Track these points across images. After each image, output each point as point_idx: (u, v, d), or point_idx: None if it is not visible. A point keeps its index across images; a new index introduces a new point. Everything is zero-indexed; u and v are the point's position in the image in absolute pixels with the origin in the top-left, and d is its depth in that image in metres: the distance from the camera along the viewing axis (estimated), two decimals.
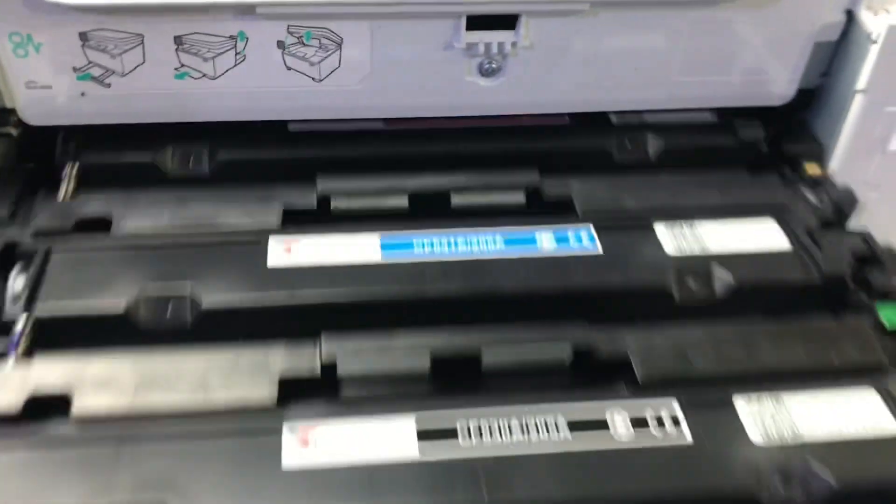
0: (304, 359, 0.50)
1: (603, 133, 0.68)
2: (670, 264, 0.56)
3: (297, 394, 0.49)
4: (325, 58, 0.63)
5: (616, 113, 0.70)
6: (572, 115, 0.69)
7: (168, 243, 0.56)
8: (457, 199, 0.62)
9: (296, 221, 0.59)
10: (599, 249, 0.57)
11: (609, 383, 0.51)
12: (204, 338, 0.52)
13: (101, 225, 0.59)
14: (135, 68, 0.62)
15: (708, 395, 0.49)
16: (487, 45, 0.62)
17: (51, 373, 0.49)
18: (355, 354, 0.50)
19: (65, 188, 0.62)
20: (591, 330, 0.53)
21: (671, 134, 0.67)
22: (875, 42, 0.63)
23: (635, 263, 0.56)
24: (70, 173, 0.63)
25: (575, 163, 0.66)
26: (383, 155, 0.65)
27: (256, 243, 0.57)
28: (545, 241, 0.58)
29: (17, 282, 0.54)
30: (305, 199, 0.61)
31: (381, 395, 0.50)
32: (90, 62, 0.61)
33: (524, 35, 0.62)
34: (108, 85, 0.62)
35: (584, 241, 0.58)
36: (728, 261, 0.56)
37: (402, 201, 0.62)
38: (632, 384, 0.50)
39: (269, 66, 0.62)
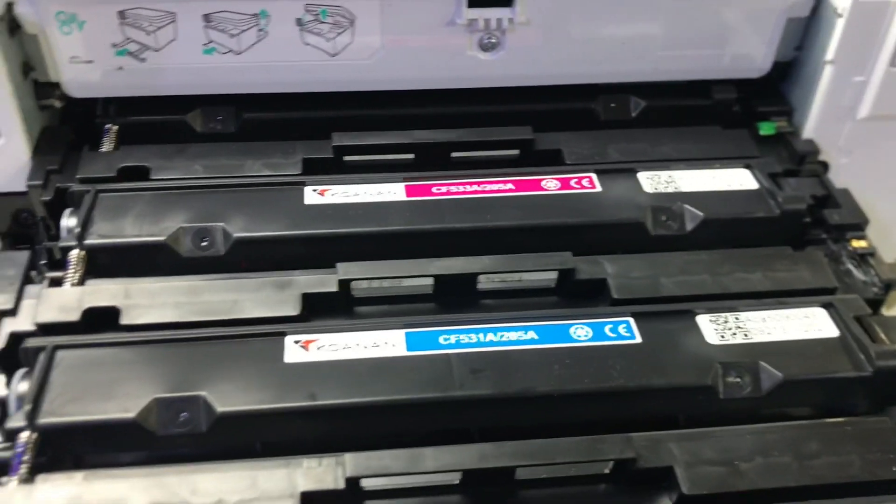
0: (328, 475, 0.54)
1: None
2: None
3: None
4: (339, 34, 0.78)
5: None
6: None
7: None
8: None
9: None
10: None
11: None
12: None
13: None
14: (167, 44, 0.77)
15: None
16: (487, 22, 0.78)
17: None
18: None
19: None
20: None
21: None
22: (841, 16, 0.78)
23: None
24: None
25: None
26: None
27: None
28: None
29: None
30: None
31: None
32: (127, 38, 0.77)
33: (521, 12, 0.78)
34: (144, 59, 0.78)
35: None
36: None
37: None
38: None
39: (288, 41, 0.78)
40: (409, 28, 0.78)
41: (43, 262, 0.71)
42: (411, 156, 0.79)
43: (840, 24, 0.78)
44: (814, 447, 0.57)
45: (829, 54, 0.79)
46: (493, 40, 0.79)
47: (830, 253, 0.71)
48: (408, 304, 0.68)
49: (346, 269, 0.66)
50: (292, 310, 0.64)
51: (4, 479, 0.54)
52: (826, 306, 0.65)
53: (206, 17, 0.76)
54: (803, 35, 0.83)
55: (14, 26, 0.74)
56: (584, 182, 0.74)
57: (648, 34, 0.81)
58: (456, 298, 0.68)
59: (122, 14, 0.75)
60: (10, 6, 0.73)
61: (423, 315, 0.66)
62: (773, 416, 0.61)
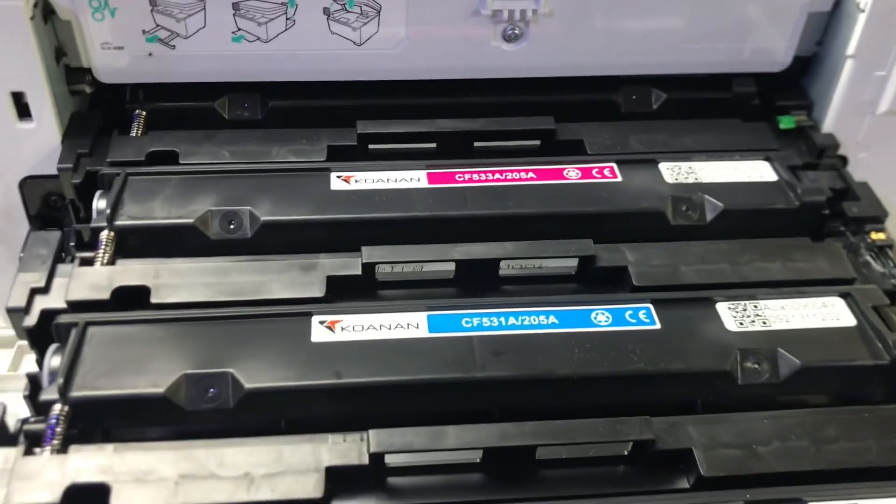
0: (352, 450, 0.56)
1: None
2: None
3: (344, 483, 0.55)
4: (366, 23, 0.79)
5: None
6: None
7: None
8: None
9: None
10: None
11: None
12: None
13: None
14: (197, 31, 0.78)
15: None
16: (511, 12, 0.79)
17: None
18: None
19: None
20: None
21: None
22: (863, 11, 0.78)
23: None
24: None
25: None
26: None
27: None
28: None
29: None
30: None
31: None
32: (158, 25, 0.78)
33: (545, 3, 0.78)
34: (173, 46, 0.79)
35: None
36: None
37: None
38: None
39: (315, 30, 0.79)
40: (434, 18, 0.79)
41: (72, 243, 0.73)
42: (434, 145, 0.80)
43: (862, 19, 0.78)
44: (831, 432, 0.58)
45: (851, 49, 0.80)
46: (517, 31, 0.80)
47: (849, 245, 0.72)
48: (429, 288, 0.69)
49: (370, 253, 0.67)
50: (317, 291, 0.65)
51: (37, 449, 0.55)
52: (844, 296, 0.65)
53: (236, 6, 0.77)
54: (824, 29, 0.84)
55: (48, 12, 0.75)
56: (606, 172, 0.75)
57: (671, 27, 0.81)
58: (477, 283, 0.69)
59: (153, 1, 0.76)
60: None
61: (446, 298, 0.67)
62: (791, 403, 0.62)
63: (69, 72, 0.80)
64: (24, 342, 0.66)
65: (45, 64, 0.75)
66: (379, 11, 0.78)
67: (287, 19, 0.78)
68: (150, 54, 0.79)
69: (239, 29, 0.78)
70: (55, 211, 0.81)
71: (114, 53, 0.79)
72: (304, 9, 0.78)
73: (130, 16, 0.77)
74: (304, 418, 0.60)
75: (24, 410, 0.60)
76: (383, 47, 0.80)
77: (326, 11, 0.78)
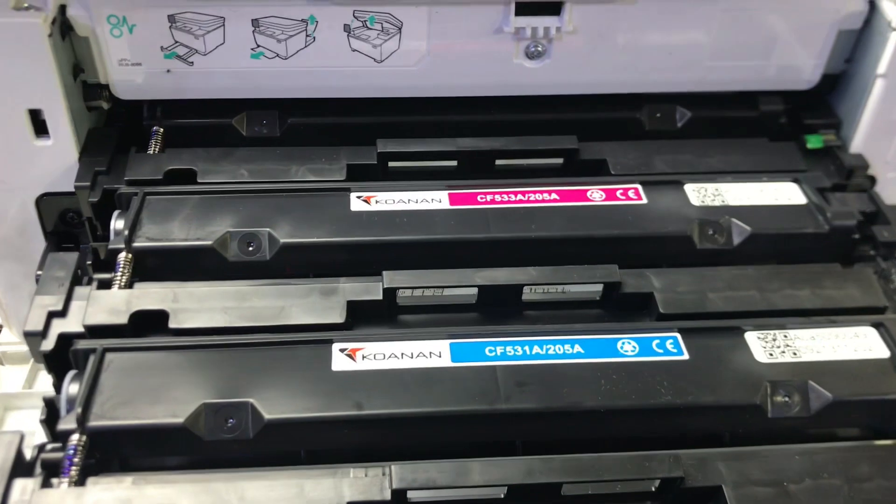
0: (374, 486, 0.54)
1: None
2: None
3: None
4: (387, 40, 0.78)
5: None
6: None
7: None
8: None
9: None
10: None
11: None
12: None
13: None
14: (215, 48, 0.78)
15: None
16: (534, 30, 0.78)
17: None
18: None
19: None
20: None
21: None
22: (895, 30, 0.77)
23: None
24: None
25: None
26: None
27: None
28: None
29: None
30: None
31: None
32: (176, 42, 0.77)
33: (568, 20, 0.77)
34: (192, 63, 0.78)
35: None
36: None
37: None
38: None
39: (335, 47, 0.78)
40: (456, 35, 0.78)
41: (89, 262, 0.72)
42: (454, 163, 0.79)
43: (894, 38, 0.77)
44: (864, 470, 0.56)
45: (882, 68, 0.78)
46: (540, 48, 0.79)
47: (880, 270, 0.70)
48: (451, 313, 0.68)
49: (391, 278, 0.66)
50: (338, 317, 0.64)
51: (55, 480, 0.55)
52: (876, 326, 0.64)
53: (255, 22, 0.76)
54: (854, 47, 0.82)
55: (66, 29, 0.75)
56: (630, 193, 0.74)
57: (696, 44, 0.80)
58: (500, 309, 0.68)
59: (171, 18, 0.75)
60: (63, 8, 0.73)
61: (466, 325, 0.67)
62: (821, 436, 0.61)
63: (86, 88, 0.79)
64: None
65: (62, 80, 0.74)
66: (400, 28, 0.77)
67: (307, 36, 0.77)
68: (168, 71, 0.78)
69: (258, 46, 0.78)
70: (71, 227, 0.81)
71: (132, 70, 0.78)
72: (324, 26, 0.77)
73: (149, 32, 0.76)
74: (323, 449, 0.59)
75: (39, 430, 0.60)
76: (404, 64, 0.79)
77: (347, 28, 0.77)
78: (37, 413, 0.61)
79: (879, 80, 0.79)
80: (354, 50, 0.78)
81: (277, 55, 0.78)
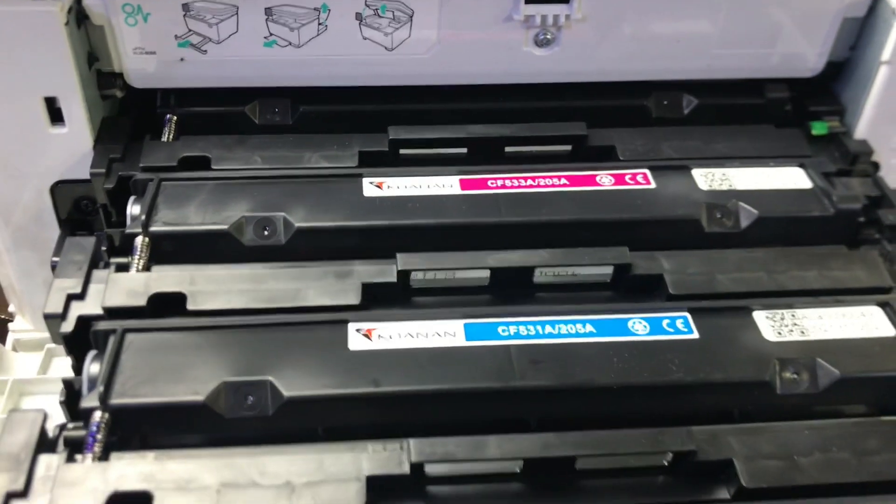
0: (392, 460, 0.55)
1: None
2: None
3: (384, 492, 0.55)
4: (398, 29, 0.79)
5: None
6: None
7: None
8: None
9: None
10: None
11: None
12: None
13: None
14: (229, 36, 0.79)
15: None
16: (544, 18, 0.79)
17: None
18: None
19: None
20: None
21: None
22: None
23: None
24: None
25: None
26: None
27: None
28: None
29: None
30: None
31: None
32: (190, 30, 0.78)
33: (577, 8, 0.78)
34: (205, 52, 0.79)
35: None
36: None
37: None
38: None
39: (347, 35, 0.79)
40: (467, 23, 0.79)
41: (104, 248, 0.73)
42: (465, 150, 0.80)
43: None
44: (873, 444, 0.57)
45: (886, 55, 0.79)
46: (549, 36, 0.80)
47: (885, 253, 0.71)
48: (464, 295, 0.69)
49: (405, 261, 0.67)
50: (353, 299, 0.65)
51: (79, 456, 0.56)
52: (882, 305, 0.65)
53: (268, 11, 0.77)
54: (858, 35, 0.83)
55: (81, 17, 0.76)
56: (639, 178, 0.75)
57: (703, 32, 0.81)
58: (512, 291, 0.69)
59: (186, 6, 0.76)
60: None
61: (478, 306, 0.67)
62: (829, 413, 0.62)
63: (101, 76, 0.80)
64: (53, 345, 0.67)
65: (78, 69, 0.75)
66: (411, 16, 0.78)
67: (319, 24, 0.78)
68: (181, 59, 0.79)
69: (271, 34, 0.79)
70: (85, 215, 0.82)
71: (146, 58, 0.79)
72: (336, 14, 0.78)
73: (163, 21, 0.77)
74: (340, 426, 0.60)
75: (57, 413, 0.61)
76: (415, 52, 0.80)
77: (359, 16, 0.78)
78: (51, 398, 0.62)
79: (884, 67, 0.80)
80: (366, 38, 0.79)
81: (290, 43, 0.79)
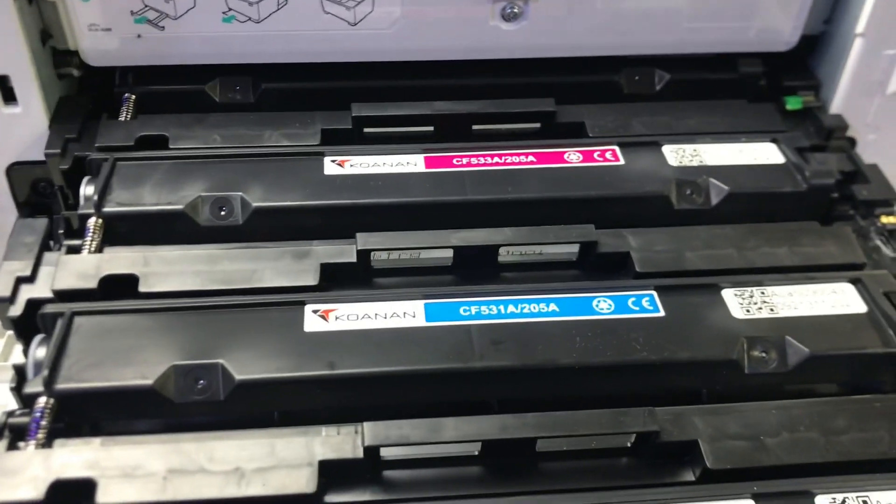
0: (346, 444, 0.54)
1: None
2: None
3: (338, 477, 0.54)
4: (360, 3, 0.77)
5: None
6: None
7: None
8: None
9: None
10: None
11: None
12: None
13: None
14: (186, 12, 0.76)
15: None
16: None
17: None
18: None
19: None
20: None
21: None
22: None
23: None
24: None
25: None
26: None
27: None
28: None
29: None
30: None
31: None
32: (146, 6, 0.76)
33: None
34: (162, 28, 0.77)
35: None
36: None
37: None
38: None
39: (308, 10, 0.77)
40: None
41: (61, 231, 0.71)
42: (431, 128, 0.79)
43: None
44: (841, 423, 0.56)
45: (860, 27, 0.78)
46: (516, 10, 0.78)
47: (858, 229, 0.70)
48: (427, 275, 0.67)
49: (365, 240, 0.65)
50: (311, 280, 0.64)
51: (22, 444, 0.54)
52: (854, 282, 0.64)
53: None
54: (832, 7, 0.82)
55: None
56: (608, 155, 0.73)
57: (674, 5, 0.79)
58: (476, 271, 0.67)
59: None
60: None
61: (444, 286, 0.66)
62: (799, 392, 0.60)
63: (56, 54, 0.78)
64: None
65: (30, 46, 0.73)
66: None
67: None
68: (138, 36, 0.77)
69: (230, 9, 0.77)
70: (44, 198, 0.80)
71: (101, 35, 0.77)
72: None
73: None
74: (296, 410, 0.58)
75: (12, 402, 0.59)
76: (378, 27, 0.78)
77: None
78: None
79: (858, 40, 0.78)
80: (328, 13, 0.77)
81: (249, 19, 0.77)
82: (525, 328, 0.60)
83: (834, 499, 0.54)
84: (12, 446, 0.53)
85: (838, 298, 0.63)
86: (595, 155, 0.73)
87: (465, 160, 0.73)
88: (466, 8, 0.78)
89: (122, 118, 0.77)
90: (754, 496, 0.52)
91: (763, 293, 0.63)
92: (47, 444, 0.54)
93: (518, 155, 0.73)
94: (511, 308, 0.61)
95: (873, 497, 0.55)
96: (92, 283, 0.62)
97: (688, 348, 0.59)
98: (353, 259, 0.65)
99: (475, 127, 0.79)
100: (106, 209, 0.67)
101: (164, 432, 0.56)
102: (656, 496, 0.53)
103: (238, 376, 0.56)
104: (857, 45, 0.79)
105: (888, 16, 0.77)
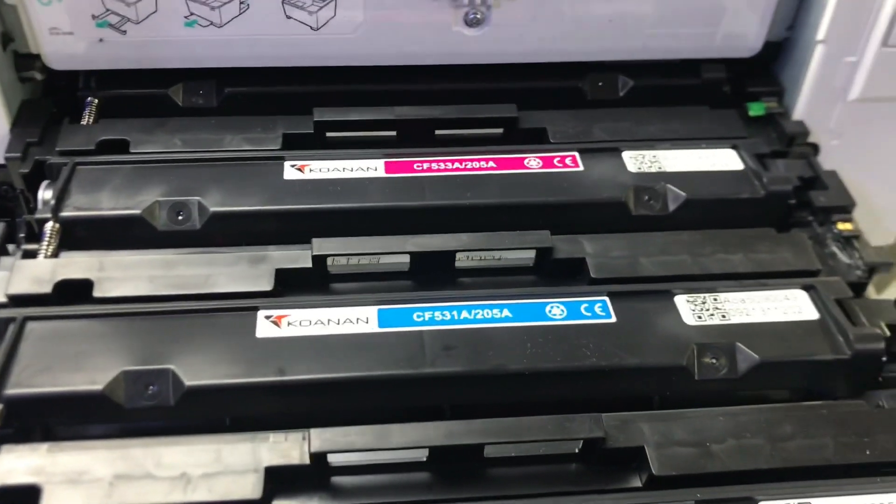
0: (293, 450, 0.54)
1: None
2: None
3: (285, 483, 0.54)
4: (322, 7, 0.78)
5: None
6: None
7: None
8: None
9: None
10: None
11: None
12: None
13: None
14: (148, 16, 0.77)
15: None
16: None
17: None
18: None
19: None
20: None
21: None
22: None
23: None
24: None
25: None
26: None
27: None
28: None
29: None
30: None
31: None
32: (108, 10, 0.76)
33: None
34: (124, 32, 0.77)
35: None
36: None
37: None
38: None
39: (270, 14, 0.77)
40: (394, 2, 0.78)
41: (22, 234, 0.71)
42: (393, 133, 0.79)
43: (832, 3, 0.77)
44: (787, 429, 0.57)
45: (821, 34, 0.78)
46: (479, 16, 0.79)
47: (815, 235, 0.71)
48: (384, 280, 0.68)
49: (320, 245, 0.66)
50: (266, 285, 0.64)
51: None
52: (807, 288, 0.64)
53: None
54: (795, 14, 0.82)
55: None
56: (567, 161, 0.74)
57: (638, 11, 0.80)
58: (433, 276, 0.68)
59: None
60: None
61: (398, 292, 0.66)
62: (750, 398, 0.61)
63: (18, 58, 0.78)
64: None
65: None
66: None
67: (241, 3, 0.77)
68: (100, 40, 0.77)
69: (191, 13, 0.77)
70: (6, 201, 0.80)
71: (63, 39, 0.77)
72: None
73: (79, 0, 0.75)
74: (247, 416, 0.59)
75: None
76: (341, 32, 0.79)
77: None
78: None
79: (819, 47, 0.79)
80: (290, 17, 0.78)
81: (211, 23, 0.78)
82: (477, 334, 0.60)
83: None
84: None
85: (791, 305, 0.63)
86: (555, 161, 0.74)
87: (425, 165, 0.73)
88: (429, 13, 0.78)
89: (84, 122, 0.78)
90: (698, 503, 0.52)
91: (716, 300, 0.63)
92: None
93: (478, 161, 0.74)
94: (464, 314, 0.62)
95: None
96: (47, 288, 0.63)
97: (638, 354, 0.60)
98: (309, 265, 0.65)
99: (438, 132, 0.80)
100: (63, 214, 0.68)
101: (118, 437, 0.56)
102: (602, 502, 0.54)
103: (188, 382, 0.57)
104: (819, 51, 0.79)
105: (848, 23, 0.78)
